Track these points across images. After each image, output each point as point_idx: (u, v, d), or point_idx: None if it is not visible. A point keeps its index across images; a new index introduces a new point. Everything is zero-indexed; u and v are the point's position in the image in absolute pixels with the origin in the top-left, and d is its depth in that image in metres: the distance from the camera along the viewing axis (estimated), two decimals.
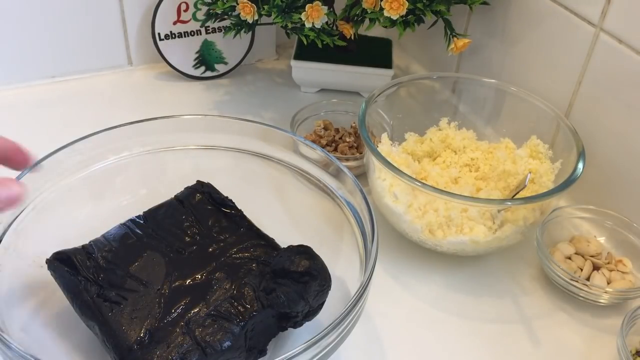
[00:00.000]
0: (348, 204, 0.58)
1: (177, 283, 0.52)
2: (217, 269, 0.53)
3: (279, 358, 0.42)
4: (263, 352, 0.50)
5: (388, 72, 0.88)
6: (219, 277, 0.52)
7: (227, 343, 0.47)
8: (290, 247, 0.52)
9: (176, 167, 0.65)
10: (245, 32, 0.79)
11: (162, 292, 0.51)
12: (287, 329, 0.51)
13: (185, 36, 0.89)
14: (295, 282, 0.49)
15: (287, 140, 0.63)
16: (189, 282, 0.52)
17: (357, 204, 0.57)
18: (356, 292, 0.47)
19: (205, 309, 0.49)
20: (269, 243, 0.56)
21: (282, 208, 0.65)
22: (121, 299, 0.50)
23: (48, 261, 0.52)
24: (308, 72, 0.89)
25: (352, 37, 0.79)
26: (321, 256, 0.52)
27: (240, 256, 0.54)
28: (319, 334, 0.44)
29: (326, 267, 0.51)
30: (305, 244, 0.52)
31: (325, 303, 0.52)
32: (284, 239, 0.56)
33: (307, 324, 0.52)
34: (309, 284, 0.49)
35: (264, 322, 0.49)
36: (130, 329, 0.48)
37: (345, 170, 0.58)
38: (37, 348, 0.48)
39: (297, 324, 0.51)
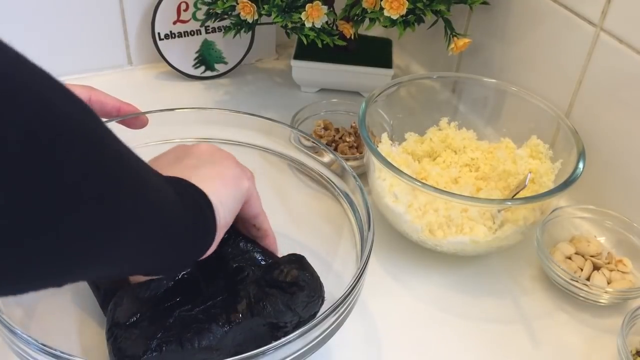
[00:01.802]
0: (348, 200, 0.58)
1: (179, 278, 0.52)
2: (217, 275, 0.53)
3: (276, 343, 0.43)
4: None
5: (388, 72, 0.88)
6: (218, 282, 0.52)
7: (205, 342, 0.47)
8: (284, 256, 0.52)
9: None
10: (245, 31, 0.79)
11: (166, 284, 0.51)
12: (280, 339, 0.51)
13: (185, 36, 0.89)
14: (282, 292, 0.49)
15: (288, 135, 0.63)
16: (188, 280, 0.52)
17: (356, 199, 0.57)
18: (353, 278, 0.48)
19: (196, 308, 0.49)
20: (268, 253, 0.55)
21: (280, 203, 0.64)
22: None
23: None
24: (308, 71, 0.89)
25: (352, 37, 0.79)
26: (319, 253, 0.52)
27: (239, 265, 0.54)
28: (313, 321, 0.45)
29: (317, 278, 0.51)
30: (298, 254, 0.52)
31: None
32: (281, 233, 0.56)
33: None
34: (296, 295, 0.49)
35: (254, 330, 0.49)
36: (129, 308, 0.49)
37: (345, 164, 0.58)
38: (41, 333, 0.48)
39: (287, 334, 0.50)
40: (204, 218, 0.42)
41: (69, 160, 0.26)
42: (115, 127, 0.57)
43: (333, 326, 0.47)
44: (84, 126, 0.28)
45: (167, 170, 0.42)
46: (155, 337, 0.46)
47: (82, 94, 0.54)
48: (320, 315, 0.45)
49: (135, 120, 0.58)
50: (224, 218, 0.44)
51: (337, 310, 0.46)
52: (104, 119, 0.57)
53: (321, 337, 0.46)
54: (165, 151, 0.51)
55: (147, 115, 0.58)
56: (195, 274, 0.52)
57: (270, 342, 0.50)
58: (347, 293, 0.47)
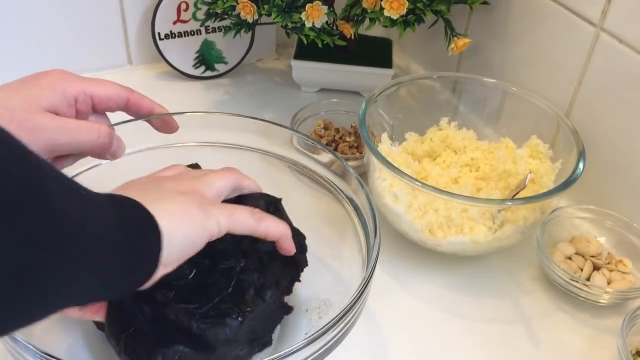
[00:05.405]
0: (351, 202, 0.58)
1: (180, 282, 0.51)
2: (213, 269, 0.52)
3: (281, 353, 0.42)
4: (268, 343, 0.50)
5: (388, 72, 0.88)
6: (216, 276, 0.52)
7: (222, 336, 0.46)
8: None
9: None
10: (245, 31, 0.79)
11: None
12: (291, 311, 0.52)
13: (185, 36, 0.89)
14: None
15: (288, 137, 0.63)
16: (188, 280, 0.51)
17: (359, 201, 0.57)
18: (359, 286, 0.47)
19: (205, 306, 0.48)
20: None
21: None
22: None
23: None
24: (308, 71, 0.89)
25: (352, 37, 0.79)
26: (323, 255, 0.52)
27: (232, 262, 0.53)
28: (322, 328, 0.44)
29: (291, 222, 0.52)
30: (272, 198, 0.54)
31: (328, 301, 0.52)
32: None
33: (310, 321, 0.52)
34: None
35: (266, 312, 0.49)
36: (129, 317, 0.48)
37: (347, 167, 0.58)
38: (44, 341, 0.48)
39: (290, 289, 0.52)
40: (143, 251, 0.40)
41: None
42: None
43: (341, 333, 0.47)
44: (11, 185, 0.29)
45: (133, 194, 0.41)
46: (168, 337, 0.46)
47: (121, 95, 0.55)
48: (329, 323, 0.45)
49: (165, 126, 0.58)
50: (168, 255, 0.41)
51: (344, 318, 0.46)
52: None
53: (329, 344, 0.46)
54: (142, 177, 0.50)
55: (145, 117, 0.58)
56: (196, 277, 0.52)
57: (281, 318, 0.51)
58: (354, 300, 0.46)
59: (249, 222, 0.47)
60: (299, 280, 0.54)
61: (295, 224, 0.54)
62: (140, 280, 0.41)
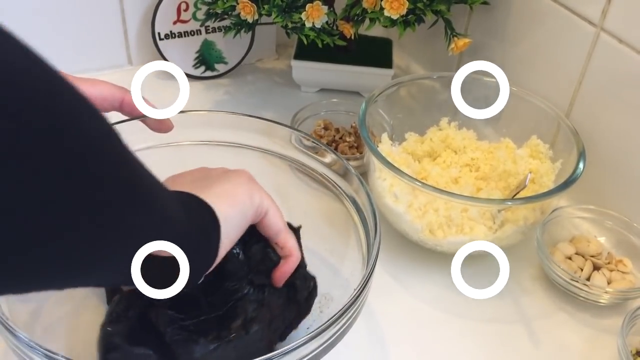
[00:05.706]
0: (352, 200, 0.58)
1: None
2: (216, 287, 0.51)
3: (282, 350, 0.42)
4: None
5: (388, 72, 0.88)
6: (215, 295, 0.50)
7: (186, 355, 0.45)
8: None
9: (177, 163, 0.65)
10: (245, 31, 0.79)
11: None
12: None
13: (185, 36, 0.89)
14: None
15: (289, 136, 0.63)
16: (188, 294, 0.51)
17: (360, 200, 0.57)
18: (361, 282, 0.47)
19: (189, 320, 0.48)
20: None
21: (282, 205, 0.64)
22: None
23: None
24: (308, 71, 0.89)
25: (352, 37, 0.79)
26: (323, 254, 0.52)
27: (237, 285, 0.52)
28: (324, 323, 0.44)
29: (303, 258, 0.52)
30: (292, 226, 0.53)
31: (329, 295, 0.52)
32: None
33: (311, 315, 0.52)
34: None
35: (248, 348, 0.47)
36: (124, 305, 0.48)
37: (348, 165, 0.58)
38: (46, 338, 0.48)
39: (283, 336, 0.51)
40: (207, 235, 0.42)
41: (90, 174, 0.29)
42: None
43: (343, 329, 0.47)
44: (106, 144, 0.31)
45: (184, 188, 0.43)
46: (136, 334, 0.46)
47: (115, 95, 0.55)
48: (332, 318, 0.45)
49: (160, 125, 0.58)
50: (227, 235, 0.44)
51: (346, 313, 0.46)
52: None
53: (330, 340, 0.46)
54: (187, 171, 0.51)
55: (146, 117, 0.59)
56: (197, 289, 0.51)
57: None
58: (356, 295, 0.46)
59: (280, 222, 0.49)
60: (296, 328, 0.53)
61: (295, 222, 0.54)
62: (209, 261, 0.43)
